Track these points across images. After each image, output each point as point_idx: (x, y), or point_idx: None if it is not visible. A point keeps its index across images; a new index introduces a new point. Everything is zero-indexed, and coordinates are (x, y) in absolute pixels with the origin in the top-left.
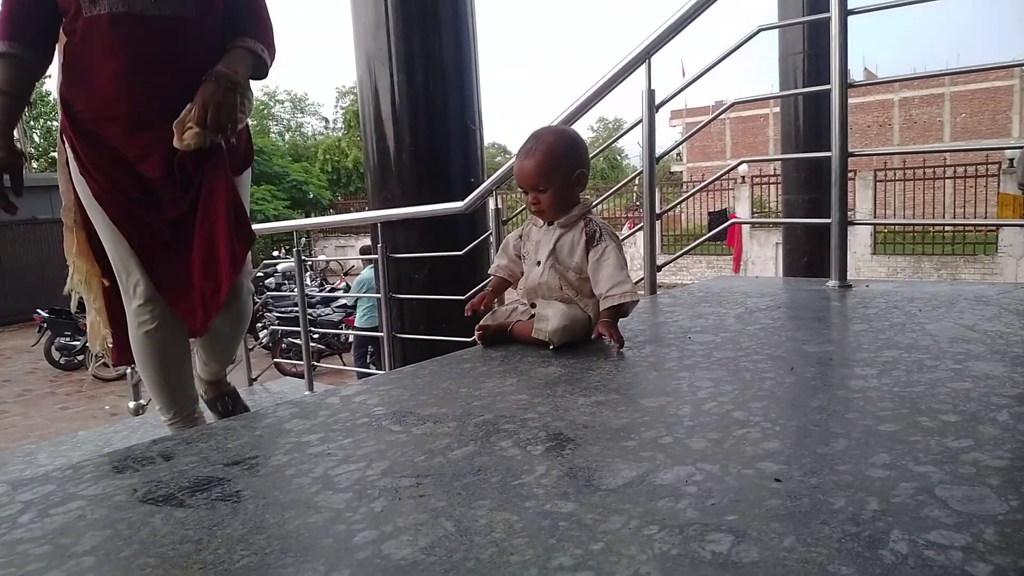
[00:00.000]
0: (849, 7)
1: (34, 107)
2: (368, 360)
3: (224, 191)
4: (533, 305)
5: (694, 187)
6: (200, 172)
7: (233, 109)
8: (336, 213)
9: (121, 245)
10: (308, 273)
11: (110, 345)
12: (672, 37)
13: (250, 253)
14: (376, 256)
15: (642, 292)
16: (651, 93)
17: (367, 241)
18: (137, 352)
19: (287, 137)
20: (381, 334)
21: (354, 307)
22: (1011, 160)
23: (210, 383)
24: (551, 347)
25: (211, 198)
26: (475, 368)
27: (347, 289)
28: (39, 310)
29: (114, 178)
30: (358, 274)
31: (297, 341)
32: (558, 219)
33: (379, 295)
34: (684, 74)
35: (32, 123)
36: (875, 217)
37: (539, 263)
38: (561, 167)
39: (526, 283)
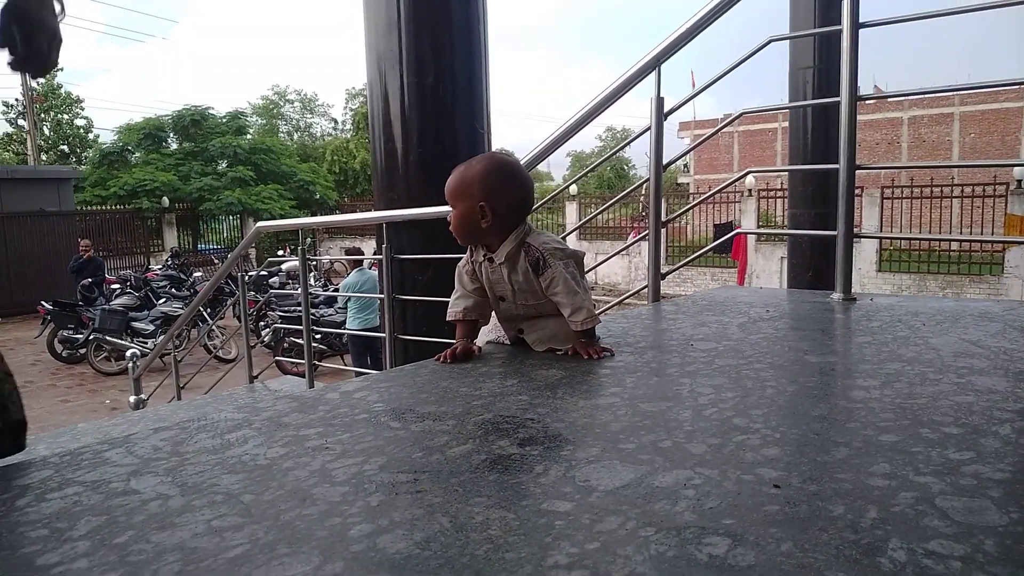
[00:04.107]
0: (861, 20)
1: (46, 99)
2: (370, 364)
3: None
4: (520, 331)
5: (701, 199)
6: None
7: None
8: (342, 214)
9: None
10: (312, 273)
11: None
12: (683, 45)
13: (253, 250)
14: (363, 258)
15: (645, 300)
16: (660, 101)
17: (373, 242)
18: None
19: (296, 137)
20: (382, 335)
21: (344, 309)
22: (1020, 181)
23: None
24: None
25: None
26: (476, 368)
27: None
28: (43, 302)
29: None
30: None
31: (299, 340)
32: (467, 243)
33: (380, 296)
34: (694, 86)
35: (42, 115)
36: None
37: (503, 299)
38: (465, 193)
39: (500, 315)
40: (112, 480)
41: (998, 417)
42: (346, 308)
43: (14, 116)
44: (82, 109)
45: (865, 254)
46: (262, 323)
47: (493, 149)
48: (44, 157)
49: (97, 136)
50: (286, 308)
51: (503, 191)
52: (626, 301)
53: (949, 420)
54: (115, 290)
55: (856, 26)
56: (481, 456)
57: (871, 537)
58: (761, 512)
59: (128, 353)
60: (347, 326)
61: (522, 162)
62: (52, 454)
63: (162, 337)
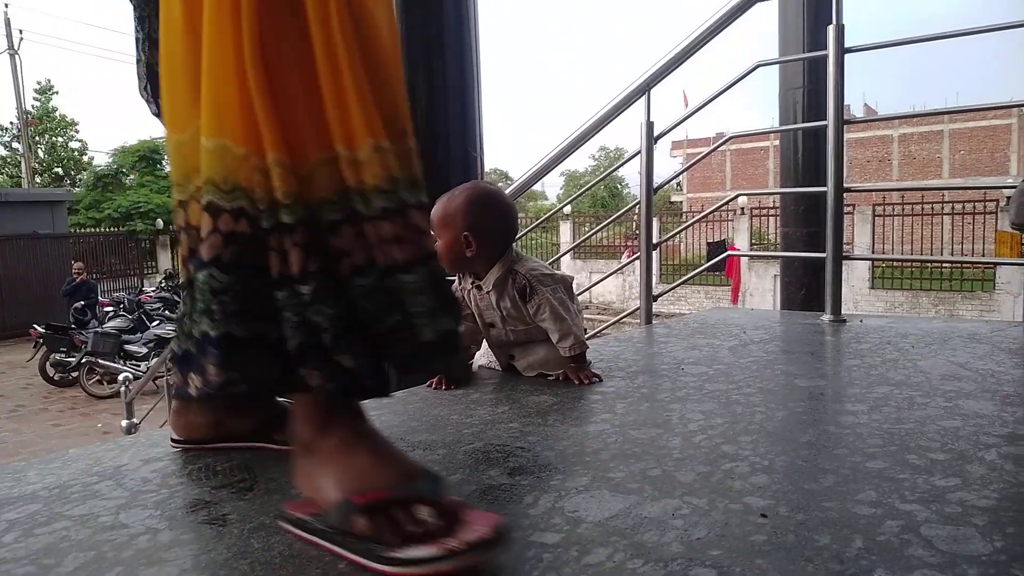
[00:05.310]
0: (846, 46)
1: (40, 122)
2: None
3: None
4: (511, 356)
5: (694, 217)
6: None
7: None
8: None
9: None
10: None
11: None
12: (672, 71)
13: None
14: None
15: (638, 321)
16: (650, 125)
17: None
18: None
19: None
20: None
21: None
22: (1008, 198)
23: None
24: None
25: None
26: (467, 395)
27: None
28: (36, 325)
29: None
30: None
31: None
32: (454, 271)
33: None
34: (687, 104)
35: (37, 138)
36: (873, 252)
37: (493, 326)
38: (449, 224)
39: (491, 342)
40: (101, 514)
41: (984, 443)
42: None
43: (8, 139)
44: (76, 132)
45: (858, 271)
46: None
47: (486, 170)
48: (38, 180)
49: (91, 159)
50: None
51: (486, 220)
52: (621, 321)
53: (936, 446)
54: (108, 312)
55: (841, 52)
56: (471, 487)
57: (856, 568)
58: (748, 542)
59: (121, 376)
60: None
61: (515, 185)
62: (41, 487)
63: (155, 360)
